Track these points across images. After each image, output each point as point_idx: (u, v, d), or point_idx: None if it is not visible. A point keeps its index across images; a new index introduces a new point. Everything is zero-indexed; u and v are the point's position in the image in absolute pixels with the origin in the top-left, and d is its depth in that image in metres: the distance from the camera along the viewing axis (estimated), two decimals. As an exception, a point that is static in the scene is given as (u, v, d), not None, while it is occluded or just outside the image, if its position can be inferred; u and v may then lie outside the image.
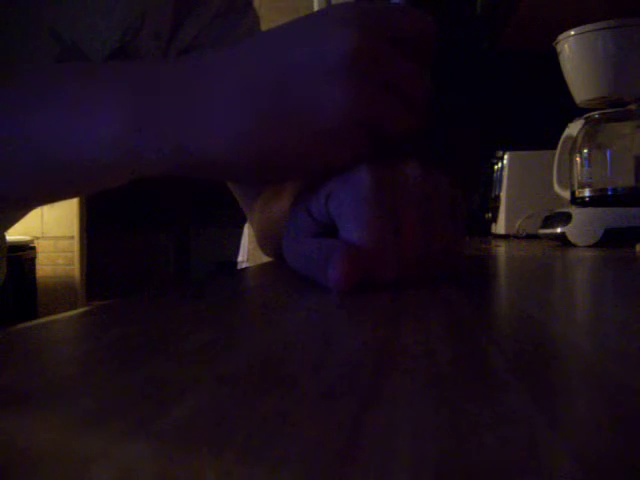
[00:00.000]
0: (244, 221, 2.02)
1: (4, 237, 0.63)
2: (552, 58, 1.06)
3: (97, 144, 0.29)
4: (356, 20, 0.29)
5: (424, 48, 0.32)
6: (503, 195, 1.29)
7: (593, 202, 0.94)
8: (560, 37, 1.02)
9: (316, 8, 1.49)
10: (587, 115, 0.98)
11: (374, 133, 0.31)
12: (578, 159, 0.98)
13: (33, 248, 3.06)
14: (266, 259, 0.61)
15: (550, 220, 0.93)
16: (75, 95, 0.30)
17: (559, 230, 0.88)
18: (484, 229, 1.39)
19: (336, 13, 0.30)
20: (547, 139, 1.14)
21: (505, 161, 1.30)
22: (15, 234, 2.91)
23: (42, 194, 0.34)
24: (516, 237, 1.20)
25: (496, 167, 1.34)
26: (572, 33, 0.99)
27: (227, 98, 0.29)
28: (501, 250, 0.81)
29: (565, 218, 0.88)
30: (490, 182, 1.36)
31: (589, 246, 0.85)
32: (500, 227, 1.29)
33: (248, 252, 2.03)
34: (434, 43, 0.32)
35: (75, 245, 3.20)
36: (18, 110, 0.30)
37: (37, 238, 3.14)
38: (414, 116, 0.32)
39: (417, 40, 0.32)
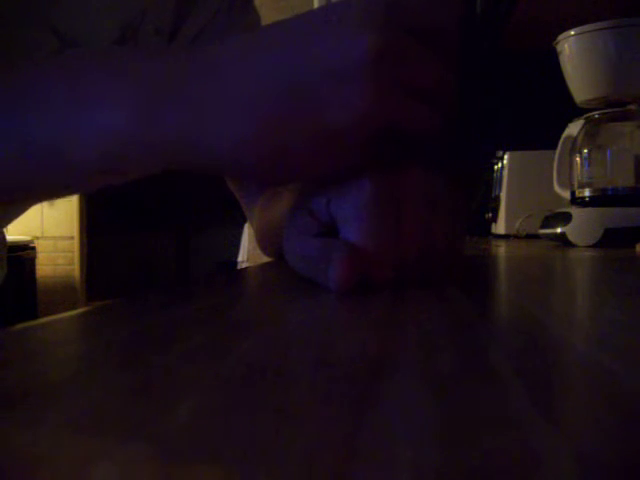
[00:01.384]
0: (244, 221, 2.02)
1: (4, 236, 0.63)
2: (552, 58, 1.06)
3: (101, 140, 0.29)
4: (378, 16, 0.27)
5: (450, 37, 0.30)
6: (503, 195, 1.29)
7: (593, 202, 0.93)
8: (560, 37, 1.02)
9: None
10: (587, 115, 0.98)
11: (395, 137, 0.30)
12: (578, 159, 0.98)
13: (33, 248, 3.06)
14: (266, 259, 0.61)
15: (550, 220, 0.93)
16: (78, 89, 0.29)
17: (559, 230, 0.88)
18: (484, 229, 1.39)
19: (357, 7, 0.28)
20: (547, 139, 1.14)
21: (505, 161, 1.30)
22: (15, 234, 2.91)
23: (44, 191, 0.34)
24: (516, 237, 1.20)
25: (496, 167, 1.34)
26: (572, 33, 0.99)
27: (239, 96, 0.28)
28: (501, 250, 0.81)
29: (565, 218, 0.88)
30: (490, 182, 1.36)
31: (589, 246, 0.85)
32: (500, 227, 1.29)
33: (248, 252, 2.03)
34: (461, 31, 0.30)
35: (75, 245, 3.20)
36: (16, 105, 0.29)
37: (37, 238, 3.14)
38: (439, 117, 0.30)
39: (443, 30, 0.29)
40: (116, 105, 0.29)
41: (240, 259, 2.14)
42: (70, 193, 0.34)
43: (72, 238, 3.20)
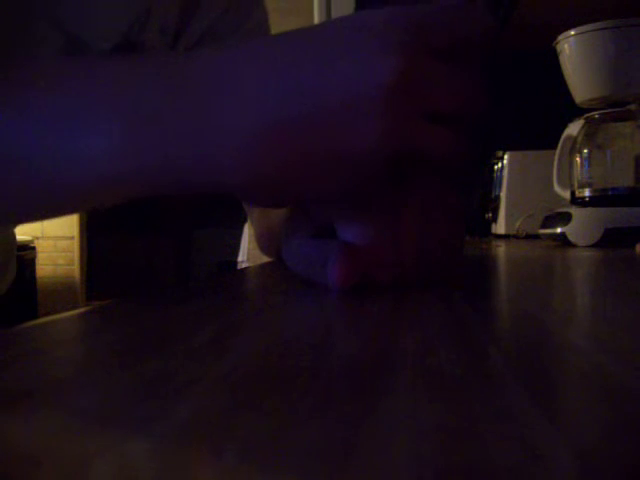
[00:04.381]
0: (244, 221, 2.02)
1: (14, 236, 0.63)
2: (552, 58, 1.06)
3: (92, 163, 0.27)
4: (399, 36, 0.26)
5: (477, 55, 0.28)
6: (503, 195, 1.29)
7: (593, 202, 0.93)
8: (560, 37, 1.02)
9: (316, 9, 1.48)
10: (587, 115, 0.98)
11: (419, 166, 0.28)
12: (578, 159, 0.98)
13: (33, 248, 3.07)
14: (266, 259, 0.61)
15: (550, 220, 0.93)
16: (69, 107, 0.27)
17: (559, 230, 0.88)
18: (484, 229, 1.39)
19: (377, 25, 0.26)
20: (547, 139, 1.14)
21: (505, 161, 1.30)
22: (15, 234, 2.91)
23: (33, 215, 0.32)
24: (516, 237, 1.20)
25: (496, 167, 1.34)
26: (572, 33, 0.99)
27: (244, 121, 0.26)
28: (501, 250, 0.81)
29: (565, 218, 0.88)
30: (490, 182, 1.36)
31: (589, 246, 0.85)
32: (500, 227, 1.29)
33: (248, 252, 2.03)
34: (493, 46, 0.28)
35: (75, 245, 3.20)
36: (7, 123, 0.28)
37: (37, 238, 3.14)
38: (464, 142, 0.28)
39: (469, 47, 0.28)
40: (104, 129, 0.26)
41: (240, 259, 2.14)
42: (57, 216, 0.32)
43: (72, 238, 3.20)
